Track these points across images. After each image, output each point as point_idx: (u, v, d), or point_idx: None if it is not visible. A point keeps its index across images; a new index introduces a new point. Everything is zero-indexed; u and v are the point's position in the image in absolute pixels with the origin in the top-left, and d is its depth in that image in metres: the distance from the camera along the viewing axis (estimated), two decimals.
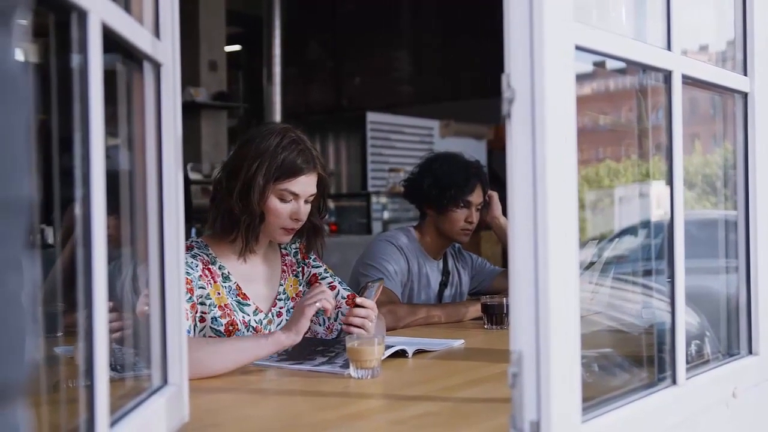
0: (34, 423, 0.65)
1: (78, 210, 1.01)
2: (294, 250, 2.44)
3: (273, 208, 2.20)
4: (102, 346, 1.02)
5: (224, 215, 2.22)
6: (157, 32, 1.35)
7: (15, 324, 0.57)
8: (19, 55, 0.61)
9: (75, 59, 1.01)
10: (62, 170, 1.04)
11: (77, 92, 1.00)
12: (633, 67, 1.64)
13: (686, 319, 1.59)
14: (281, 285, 2.36)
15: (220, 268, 2.24)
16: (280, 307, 2.34)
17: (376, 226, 7.43)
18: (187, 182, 5.77)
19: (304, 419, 1.58)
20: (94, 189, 1.01)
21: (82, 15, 0.99)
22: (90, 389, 1.01)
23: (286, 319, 2.30)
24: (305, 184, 2.22)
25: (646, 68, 1.58)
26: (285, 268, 2.39)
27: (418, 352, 2.20)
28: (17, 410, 0.59)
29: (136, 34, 1.22)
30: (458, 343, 2.37)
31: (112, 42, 1.10)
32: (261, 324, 2.26)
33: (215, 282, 2.21)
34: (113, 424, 1.09)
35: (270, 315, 2.30)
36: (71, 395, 1.31)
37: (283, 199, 2.21)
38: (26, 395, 0.61)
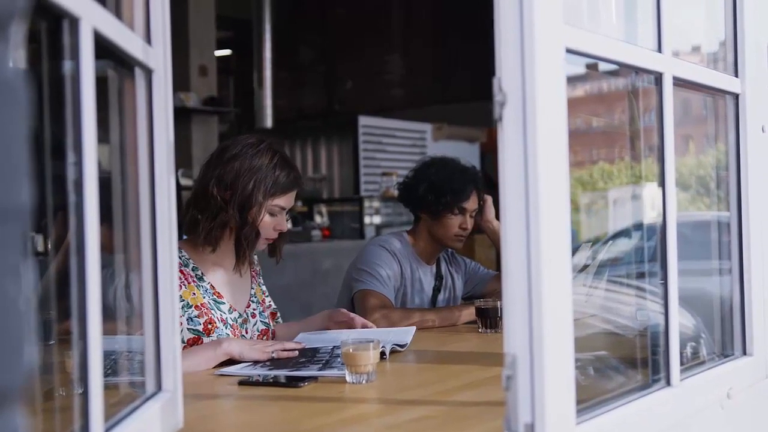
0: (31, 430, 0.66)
1: (71, 217, 1.00)
2: (255, 259, 2.56)
3: (263, 222, 2.31)
4: (96, 353, 1.02)
5: (217, 227, 2.28)
6: (148, 38, 1.35)
7: (14, 329, 0.58)
8: (16, 63, 0.62)
9: (66, 65, 1.01)
10: (54, 177, 1.04)
11: (69, 98, 1.00)
12: (624, 69, 1.65)
13: (682, 321, 1.59)
14: (252, 289, 2.48)
15: (193, 270, 2.31)
16: (253, 309, 2.45)
17: (369, 231, 7.41)
18: (178, 188, 5.77)
19: (300, 425, 1.58)
20: (87, 196, 1.00)
21: (74, 22, 0.99)
22: (85, 396, 1.00)
23: (260, 321, 2.45)
24: (292, 199, 2.37)
25: (636, 70, 1.59)
26: (254, 274, 2.51)
27: (395, 351, 2.23)
28: (16, 415, 0.59)
29: (127, 41, 1.21)
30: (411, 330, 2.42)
31: (103, 48, 1.10)
32: (236, 322, 2.35)
33: (189, 283, 2.28)
34: (108, 430, 1.08)
35: (245, 315, 2.40)
36: (62, 403, 1.30)
37: (272, 214, 2.32)
38: (24, 400, 0.61)
